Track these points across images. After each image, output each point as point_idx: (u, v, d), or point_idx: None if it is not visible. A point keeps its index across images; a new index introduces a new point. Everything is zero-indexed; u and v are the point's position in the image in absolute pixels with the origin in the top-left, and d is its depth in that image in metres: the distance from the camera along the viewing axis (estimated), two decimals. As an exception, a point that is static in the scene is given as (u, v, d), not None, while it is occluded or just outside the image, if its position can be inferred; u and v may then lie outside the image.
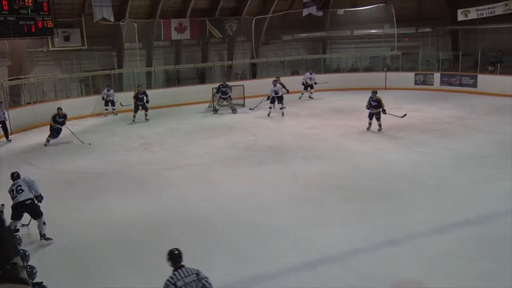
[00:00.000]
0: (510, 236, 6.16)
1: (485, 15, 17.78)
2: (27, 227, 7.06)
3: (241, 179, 9.22)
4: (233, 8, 20.93)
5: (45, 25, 13.04)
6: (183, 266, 4.06)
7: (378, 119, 12.34)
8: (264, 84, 16.60)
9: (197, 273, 4.03)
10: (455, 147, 10.70)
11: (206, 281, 4.03)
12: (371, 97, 12.35)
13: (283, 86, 16.30)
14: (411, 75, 20.04)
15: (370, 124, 12.55)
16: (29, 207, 6.71)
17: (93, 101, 17.10)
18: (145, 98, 15.25)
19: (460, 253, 5.88)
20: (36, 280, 4.61)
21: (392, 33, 20.94)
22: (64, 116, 12.59)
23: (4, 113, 13.28)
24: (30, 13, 12.51)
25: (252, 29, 21.30)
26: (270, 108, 15.14)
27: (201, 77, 21.26)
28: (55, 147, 12.46)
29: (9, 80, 15.69)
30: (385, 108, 12.22)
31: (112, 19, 17.10)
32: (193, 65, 20.52)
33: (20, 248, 5.09)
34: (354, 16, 22.12)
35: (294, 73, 21.97)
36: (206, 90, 17.75)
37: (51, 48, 17.19)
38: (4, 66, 16.16)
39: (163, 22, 19.00)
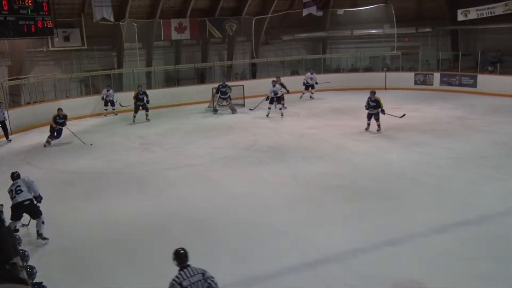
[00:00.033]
0: (510, 236, 6.16)
1: (485, 15, 17.78)
2: (26, 227, 7.06)
3: (241, 179, 9.22)
4: (233, 8, 20.94)
5: (45, 25, 13.04)
6: (189, 265, 4.05)
7: (377, 119, 12.32)
8: (264, 84, 16.59)
9: (203, 273, 4.02)
10: (455, 147, 10.70)
11: (212, 281, 4.02)
12: (369, 98, 12.33)
13: (284, 86, 16.30)
14: (411, 75, 20.05)
15: (368, 124, 12.53)
16: (28, 207, 6.72)
17: (93, 101, 17.10)
18: (145, 98, 15.23)
19: (460, 253, 5.88)
20: (36, 280, 4.61)
21: (392, 33, 20.95)
22: (65, 117, 12.59)
23: (4, 113, 13.29)
24: (30, 13, 12.51)
25: (252, 29, 21.30)
26: (269, 108, 15.11)
27: (201, 77, 21.26)
28: (55, 147, 12.45)
29: (9, 80, 15.69)
30: (384, 108, 12.22)
31: (112, 19, 17.10)
32: (193, 65, 20.52)
33: (19, 248, 5.09)
34: (354, 16, 22.13)
35: (294, 73, 21.98)
36: (206, 90, 17.75)
37: (51, 48, 17.20)
38: (4, 66, 16.16)
39: (163, 22, 19.00)
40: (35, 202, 6.82)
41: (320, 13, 21.54)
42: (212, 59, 21.70)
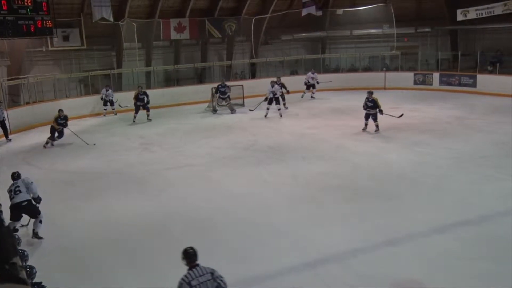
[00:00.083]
0: (510, 236, 6.16)
1: (484, 15, 17.78)
2: (26, 228, 7.04)
3: (240, 179, 9.21)
4: (233, 8, 20.93)
5: (44, 25, 13.01)
6: (197, 265, 4.04)
7: (375, 120, 12.26)
8: (263, 84, 16.58)
9: (212, 272, 4.01)
10: (455, 147, 10.70)
11: (221, 280, 4.01)
12: (367, 98, 12.26)
13: (284, 87, 16.29)
14: (410, 75, 20.05)
15: (366, 125, 12.49)
16: (26, 208, 6.73)
17: (92, 101, 17.10)
18: (145, 98, 15.20)
19: (460, 253, 5.88)
20: (36, 280, 4.60)
21: (392, 33, 20.95)
22: (66, 118, 12.55)
23: (3, 113, 13.28)
24: (29, 13, 12.48)
25: (252, 29, 21.29)
26: (267, 109, 15.04)
27: (200, 77, 21.25)
28: (55, 147, 12.43)
29: (8, 80, 15.68)
30: (382, 108, 12.17)
31: (111, 19, 17.08)
32: (192, 65, 20.51)
33: (19, 248, 5.08)
34: (353, 16, 22.13)
35: (293, 73, 21.99)
36: (205, 90, 17.75)
37: (50, 48, 17.19)
38: (3, 66, 16.14)
39: (162, 22, 18.98)
40: (33, 202, 6.82)
41: (319, 13, 21.51)
42: (212, 59, 21.70)
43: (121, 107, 16.41)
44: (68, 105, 14.96)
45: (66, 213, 7.75)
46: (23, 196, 6.69)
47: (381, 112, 12.15)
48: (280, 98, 15.42)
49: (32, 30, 12.67)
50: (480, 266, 5.55)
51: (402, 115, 12.82)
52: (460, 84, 18.57)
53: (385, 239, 6.30)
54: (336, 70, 22.21)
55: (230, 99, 16.62)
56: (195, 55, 21.49)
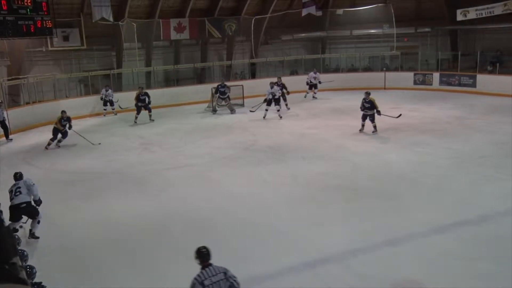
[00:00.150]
0: (510, 236, 6.17)
1: (484, 15, 17.79)
2: (23, 229, 7.01)
3: (240, 179, 9.21)
4: (232, 8, 20.93)
5: (44, 25, 13.00)
6: (210, 264, 4.04)
7: (372, 120, 12.17)
8: (263, 84, 16.56)
9: (225, 272, 4.02)
10: (455, 147, 10.70)
11: (234, 280, 4.02)
12: (364, 99, 12.19)
13: (285, 87, 16.27)
14: (410, 75, 20.05)
15: (363, 125, 12.42)
16: (24, 210, 6.73)
17: (92, 101, 17.10)
18: (147, 99, 15.16)
19: (460, 253, 5.88)
20: (36, 280, 4.60)
21: (391, 33, 20.95)
22: (68, 119, 12.50)
23: (3, 113, 13.27)
24: (29, 13, 12.47)
25: (251, 29, 21.30)
26: (266, 110, 14.97)
27: (200, 77, 21.25)
28: (53, 147, 12.42)
29: (8, 80, 15.68)
30: (379, 109, 12.08)
31: (111, 19, 17.09)
32: (192, 65, 20.51)
33: (19, 248, 5.08)
34: (353, 16, 22.14)
35: (293, 73, 22.00)
36: (205, 90, 17.74)
37: (50, 48, 17.19)
38: (3, 66, 16.15)
39: (162, 22, 18.99)
40: (33, 204, 6.81)
41: (319, 13, 21.53)
42: (212, 59, 21.70)
43: (121, 108, 16.41)
44: (68, 105, 14.94)
45: (66, 213, 7.75)
46: (22, 198, 6.69)
47: (378, 113, 12.06)
48: (281, 99, 15.39)
49: (32, 30, 12.66)
50: (480, 266, 5.55)
51: (400, 115, 12.80)
52: (460, 84, 18.57)
53: (385, 239, 6.30)
54: (336, 70, 22.22)
55: (230, 99, 16.62)
56: (195, 55, 21.49)
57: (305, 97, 18.53)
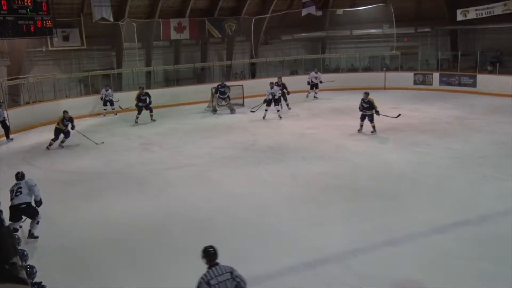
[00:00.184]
0: (510, 236, 6.16)
1: (484, 15, 17.79)
2: (21, 229, 7.01)
3: (240, 179, 9.21)
4: (232, 8, 20.94)
5: (44, 25, 13.00)
6: (217, 264, 4.04)
7: (371, 121, 12.15)
8: (263, 84, 16.55)
9: (231, 271, 4.03)
10: (455, 147, 10.70)
11: (241, 280, 4.03)
12: (363, 99, 12.17)
13: (285, 87, 16.25)
14: (410, 75, 20.05)
15: (361, 126, 12.39)
16: (24, 210, 6.73)
17: (92, 101, 17.11)
18: (147, 99, 15.14)
19: (460, 253, 5.88)
20: (36, 279, 4.60)
21: (391, 33, 20.96)
22: (70, 119, 12.49)
23: (3, 113, 13.28)
24: (29, 12, 12.48)
25: (251, 29, 21.30)
26: (266, 110, 14.94)
27: (200, 77, 21.25)
28: (55, 147, 12.41)
29: (8, 80, 15.68)
30: (378, 109, 12.05)
31: (111, 19, 17.09)
32: (192, 65, 20.51)
33: (19, 248, 5.08)
34: (353, 16, 22.15)
35: (293, 73, 22.00)
36: (205, 90, 17.75)
37: (50, 48, 17.20)
38: (3, 66, 16.15)
39: (162, 22, 18.99)
40: (33, 204, 6.81)
41: (319, 13, 21.53)
42: (212, 59, 21.70)
43: (122, 108, 16.40)
44: (68, 105, 14.90)
45: (66, 213, 7.75)
46: (23, 198, 6.68)
47: (377, 113, 12.05)
48: (282, 99, 15.38)
49: (32, 30, 12.67)
50: (480, 266, 5.55)
51: (399, 115, 12.79)
52: (460, 84, 18.57)
53: (385, 239, 6.30)
54: (336, 70, 22.22)
55: (230, 99, 16.61)
56: (195, 55, 21.49)
57: (306, 97, 18.54)
